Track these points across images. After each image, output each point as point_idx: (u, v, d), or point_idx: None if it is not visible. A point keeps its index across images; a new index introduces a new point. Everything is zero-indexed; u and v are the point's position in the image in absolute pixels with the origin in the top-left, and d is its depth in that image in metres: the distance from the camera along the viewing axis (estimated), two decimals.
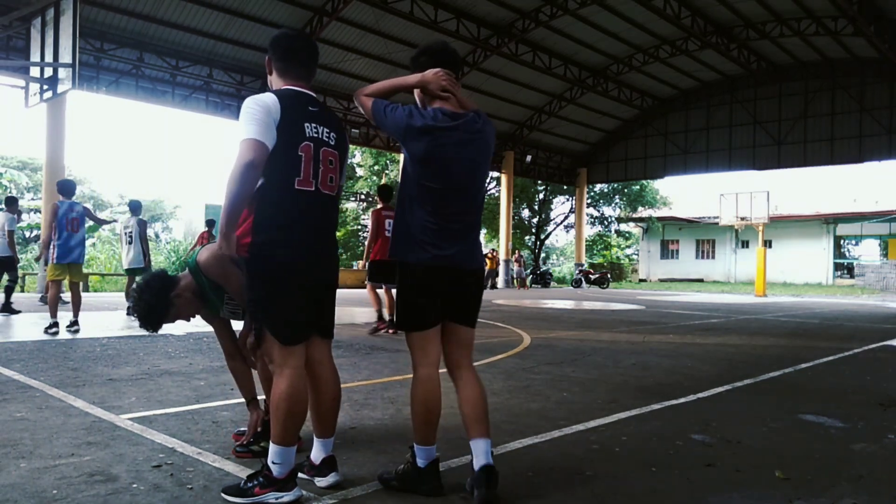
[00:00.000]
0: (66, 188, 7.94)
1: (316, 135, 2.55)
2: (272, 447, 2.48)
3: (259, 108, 2.43)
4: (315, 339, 2.67)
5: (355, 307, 12.41)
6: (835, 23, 20.35)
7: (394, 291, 3.26)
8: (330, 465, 2.70)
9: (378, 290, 8.50)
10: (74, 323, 7.71)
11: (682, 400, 4.53)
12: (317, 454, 2.71)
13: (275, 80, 2.68)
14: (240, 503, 2.45)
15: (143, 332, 7.37)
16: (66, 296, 9.19)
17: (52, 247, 7.53)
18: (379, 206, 8.35)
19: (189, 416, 3.74)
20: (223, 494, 2.51)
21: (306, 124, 2.53)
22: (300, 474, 2.65)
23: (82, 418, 3.64)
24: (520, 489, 2.71)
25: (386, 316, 8.36)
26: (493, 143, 2.86)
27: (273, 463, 2.46)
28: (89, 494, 2.52)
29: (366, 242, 8.81)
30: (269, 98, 2.48)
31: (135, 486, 2.62)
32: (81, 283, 7.82)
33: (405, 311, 2.69)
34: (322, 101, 2.71)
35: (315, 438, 2.74)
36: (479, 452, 2.55)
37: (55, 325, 7.46)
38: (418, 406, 2.63)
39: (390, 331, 8.12)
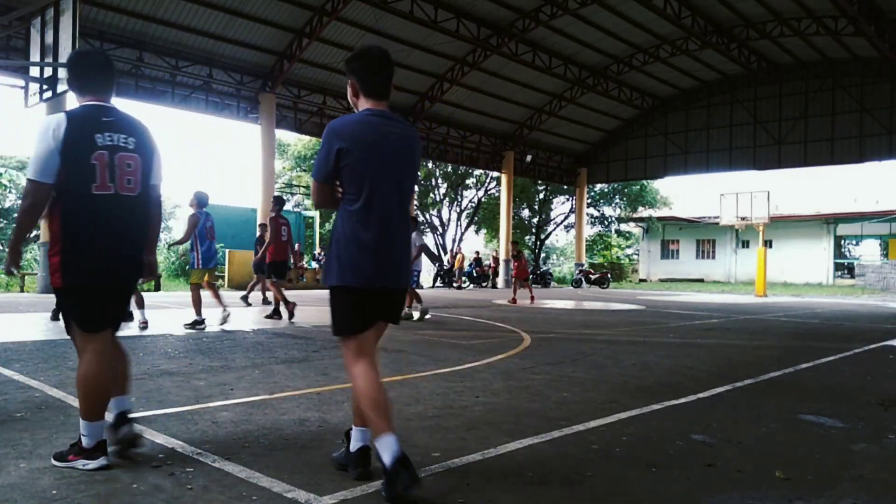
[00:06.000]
0: (203, 200, 8.47)
1: (110, 142, 2.83)
2: (81, 422, 2.82)
3: (41, 139, 2.72)
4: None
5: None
6: (835, 22, 20.35)
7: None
8: (102, 448, 2.86)
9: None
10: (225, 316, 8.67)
11: (683, 400, 4.53)
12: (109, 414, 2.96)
13: (76, 98, 2.98)
14: (57, 466, 2.79)
15: (143, 332, 7.47)
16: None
17: (197, 254, 8.37)
18: None
19: (189, 416, 3.74)
20: (52, 459, 2.85)
21: (97, 135, 2.81)
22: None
23: None
24: (519, 489, 2.70)
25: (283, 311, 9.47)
26: (418, 153, 2.84)
27: (83, 435, 2.80)
28: (89, 494, 2.52)
29: None
30: (55, 122, 2.75)
31: (135, 486, 2.62)
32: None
33: (341, 318, 2.73)
34: (115, 108, 2.96)
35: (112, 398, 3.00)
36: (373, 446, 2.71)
37: (202, 321, 8.20)
38: (365, 400, 2.60)
39: (275, 317, 9.50)
